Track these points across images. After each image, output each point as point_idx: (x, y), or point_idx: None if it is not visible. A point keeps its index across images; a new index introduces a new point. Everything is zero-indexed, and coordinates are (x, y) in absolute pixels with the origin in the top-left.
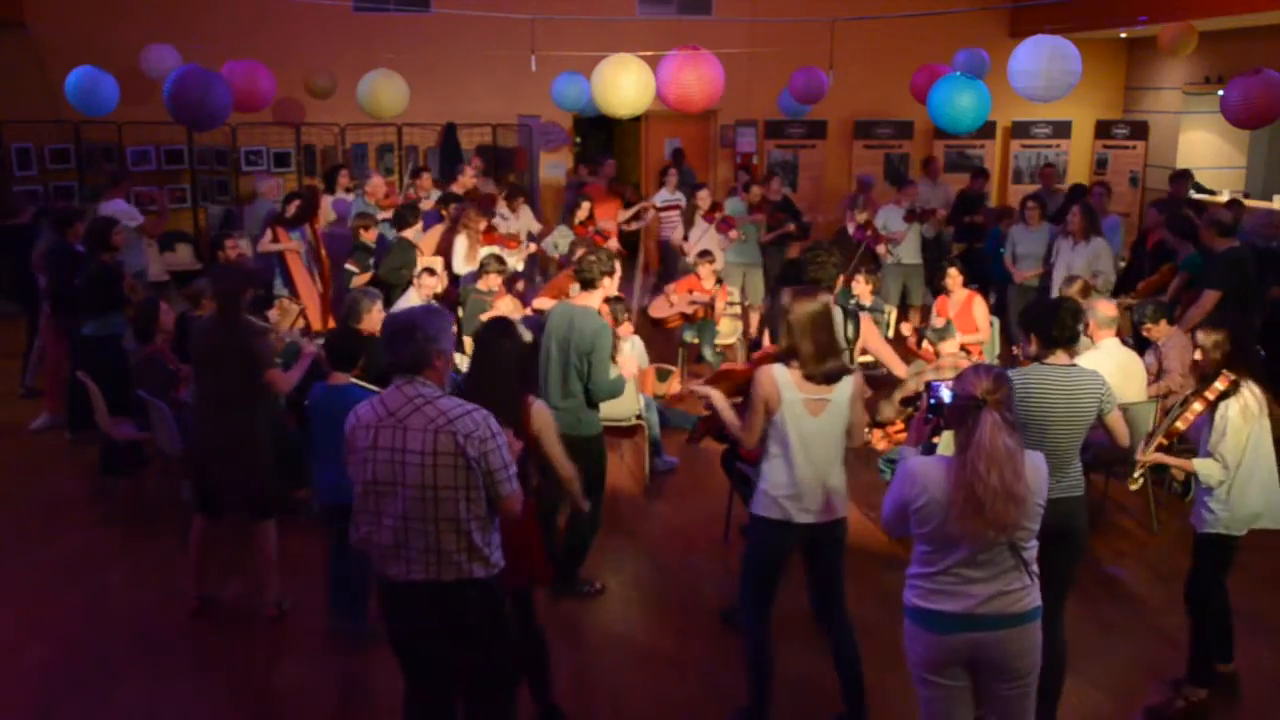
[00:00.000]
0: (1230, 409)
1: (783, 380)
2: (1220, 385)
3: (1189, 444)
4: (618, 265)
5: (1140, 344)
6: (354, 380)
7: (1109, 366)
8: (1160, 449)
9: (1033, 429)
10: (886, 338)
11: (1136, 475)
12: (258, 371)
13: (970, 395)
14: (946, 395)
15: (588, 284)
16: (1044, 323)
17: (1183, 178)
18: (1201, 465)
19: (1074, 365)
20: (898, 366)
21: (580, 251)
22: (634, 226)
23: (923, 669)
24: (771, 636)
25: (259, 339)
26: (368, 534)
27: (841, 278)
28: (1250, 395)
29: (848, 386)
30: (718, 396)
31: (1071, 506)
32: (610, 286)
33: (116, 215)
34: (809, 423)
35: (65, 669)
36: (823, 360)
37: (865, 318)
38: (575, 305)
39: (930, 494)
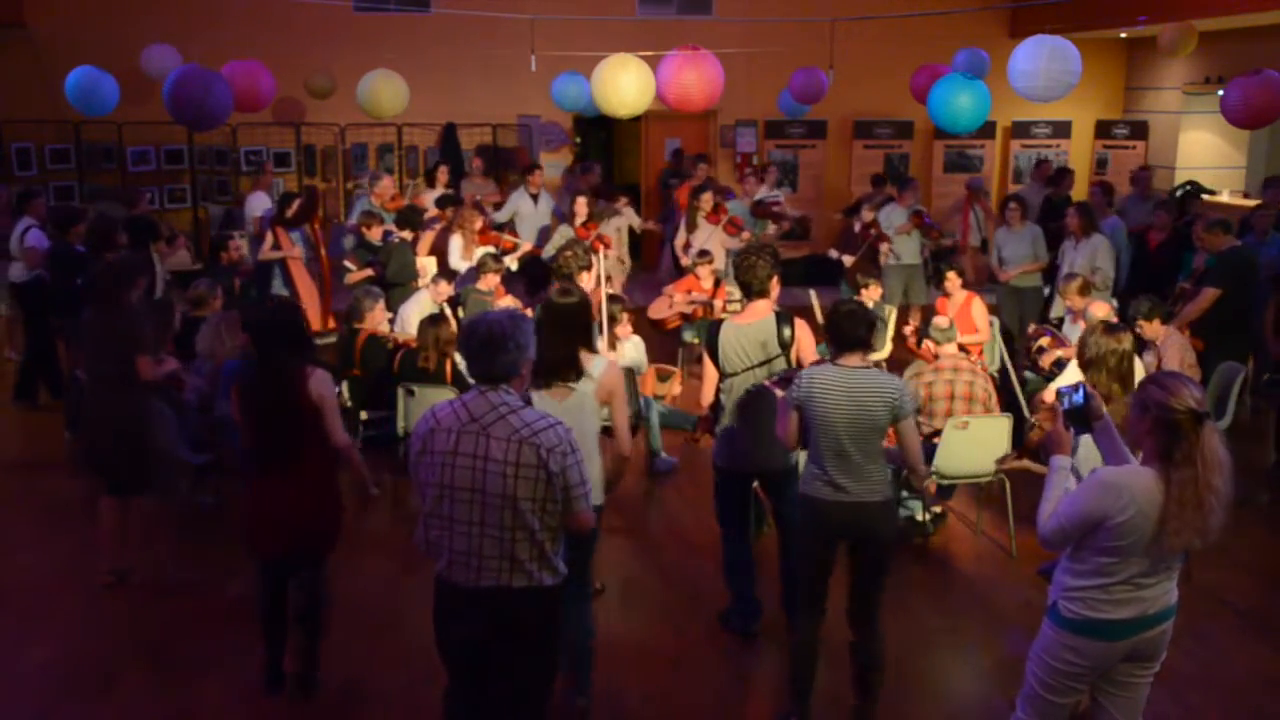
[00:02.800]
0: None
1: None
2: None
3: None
4: (595, 260)
5: (1139, 344)
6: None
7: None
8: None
9: (824, 430)
10: (898, 337)
11: (995, 472)
12: (130, 358)
13: (1187, 408)
14: (1080, 398)
15: (566, 280)
16: (834, 326)
17: (1193, 198)
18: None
19: (868, 368)
20: None
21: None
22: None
23: (1072, 679)
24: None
25: (139, 325)
26: (437, 538)
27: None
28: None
29: (595, 379)
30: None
31: (873, 511)
32: (588, 281)
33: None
34: (556, 409)
35: (65, 669)
36: (548, 363)
37: (800, 323)
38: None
39: (1138, 506)
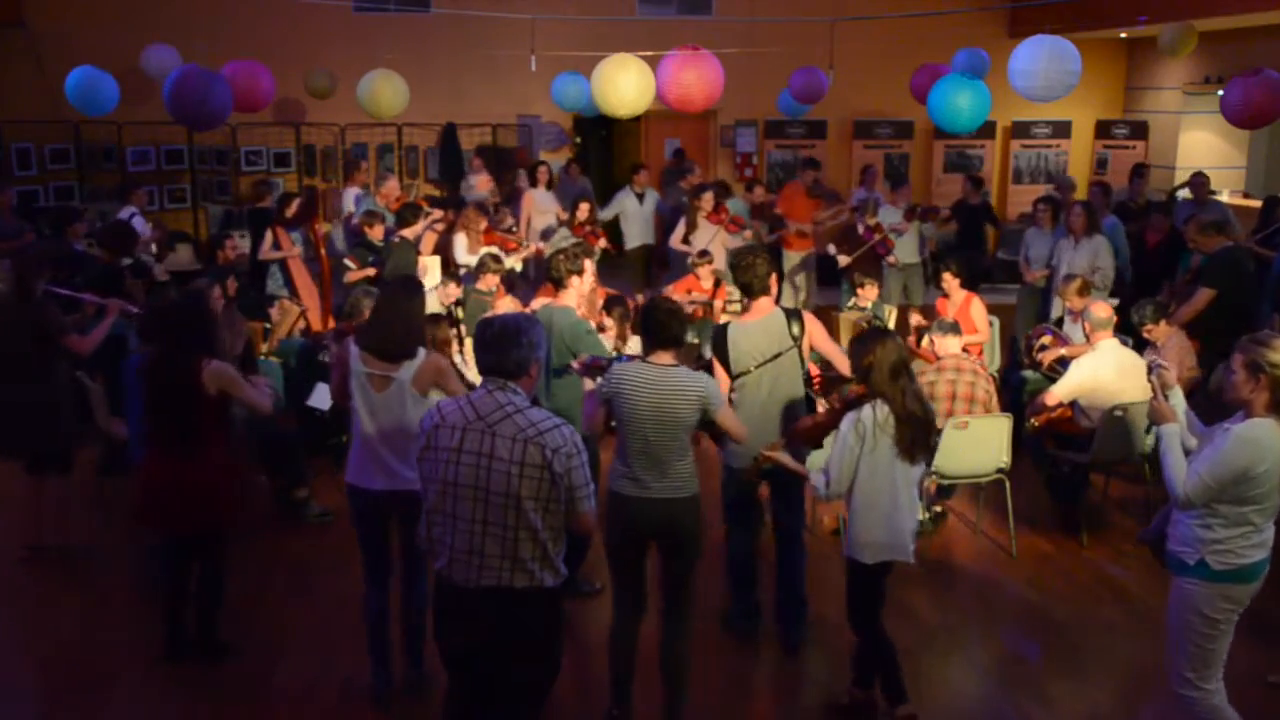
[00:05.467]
0: (847, 422)
1: (353, 353)
2: (855, 390)
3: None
4: (589, 264)
5: (1139, 344)
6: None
7: (1107, 367)
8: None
9: (630, 426)
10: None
11: (759, 467)
12: (52, 340)
13: None
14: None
15: (557, 283)
16: (644, 324)
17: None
18: (813, 473)
19: (675, 366)
20: (845, 364)
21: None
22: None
23: (1227, 624)
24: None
25: (50, 311)
26: (439, 535)
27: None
28: (873, 416)
29: (412, 368)
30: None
31: (676, 509)
32: (580, 284)
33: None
34: (374, 395)
35: (65, 668)
36: (380, 337)
37: (809, 315)
38: (555, 306)
39: (1276, 455)
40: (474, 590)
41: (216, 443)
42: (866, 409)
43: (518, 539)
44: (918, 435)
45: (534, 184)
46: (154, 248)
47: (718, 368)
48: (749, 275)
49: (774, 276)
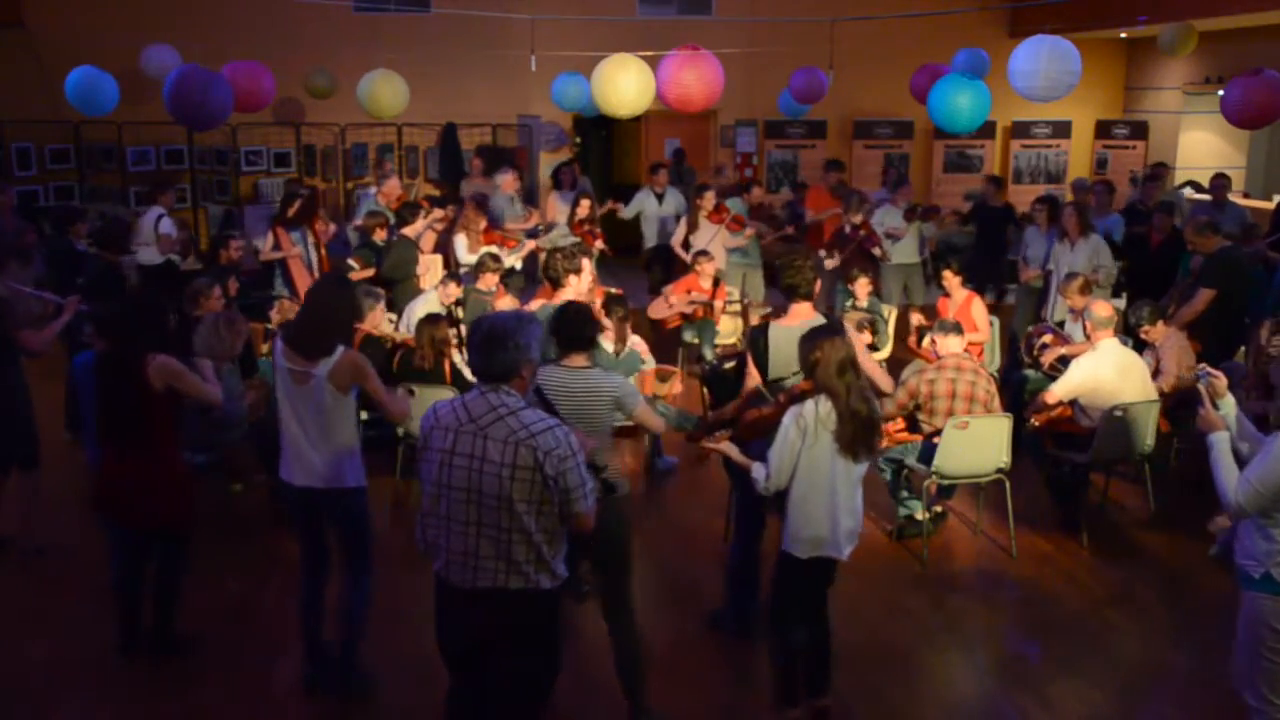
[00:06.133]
0: (789, 416)
1: (278, 348)
2: (802, 385)
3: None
4: (586, 263)
5: (1138, 344)
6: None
7: (1107, 367)
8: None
9: None
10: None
11: (706, 452)
12: (8, 333)
13: None
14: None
15: (554, 283)
16: (556, 328)
17: (1153, 180)
18: (755, 465)
19: (589, 368)
20: (882, 380)
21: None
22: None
23: None
24: None
25: (6, 304)
26: (435, 538)
27: (818, 283)
28: (815, 412)
29: (329, 365)
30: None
31: (604, 507)
32: (578, 283)
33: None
34: (294, 390)
35: (65, 668)
36: (299, 332)
37: (851, 328)
38: (552, 306)
39: None
40: (470, 592)
41: (166, 440)
42: (809, 404)
43: (511, 541)
44: (860, 433)
45: (559, 186)
46: (179, 248)
47: (751, 366)
48: (796, 277)
49: (819, 282)
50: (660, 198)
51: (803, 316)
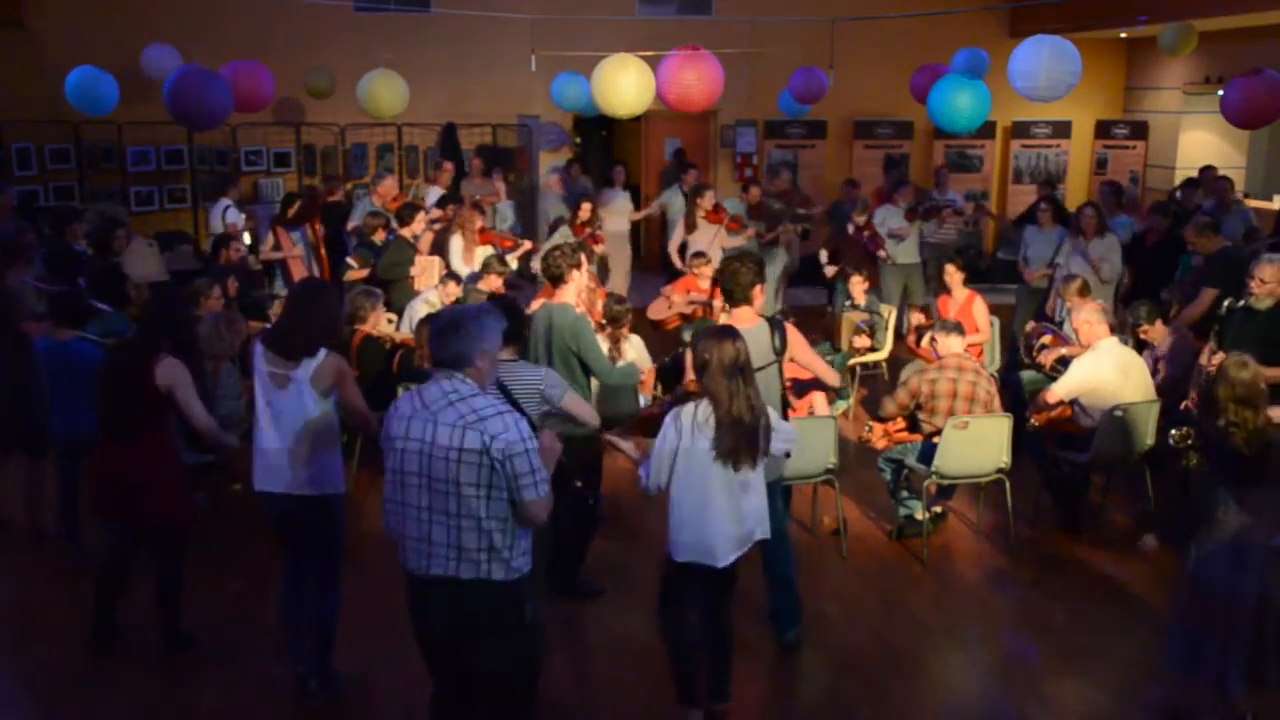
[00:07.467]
0: (670, 416)
1: (257, 351)
2: (690, 385)
3: None
4: (585, 259)
5: (1137, 344)
6: (80, 335)
7: (1108, 367)
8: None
9: None
10: (899, 335)
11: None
12: (14, 326)
13: None
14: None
15: (556, 280)
16: None
17: (1192, 186)
18: (641, 465)
19: (516, 361)
20: (829, 376)
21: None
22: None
23: None
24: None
25: (16, 299)
26: (396, 525)
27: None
28: (694, 414)
29: (311, 367)
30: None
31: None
32: (580, 279)
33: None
34: (275, 394)
35: (65, 668)
36: (280, 334)
37: (790, 327)
38: (553, 304)
39: None
40: (425, 579)
41: (165, 439)
42: (690, 405)
43: (461, 528)
44: (740, 441)
45: (610, 184)
46: (246, 237)
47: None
48: (731, 282)
49: (758, 287)
50: (688, 197)
51: (746, 323)
